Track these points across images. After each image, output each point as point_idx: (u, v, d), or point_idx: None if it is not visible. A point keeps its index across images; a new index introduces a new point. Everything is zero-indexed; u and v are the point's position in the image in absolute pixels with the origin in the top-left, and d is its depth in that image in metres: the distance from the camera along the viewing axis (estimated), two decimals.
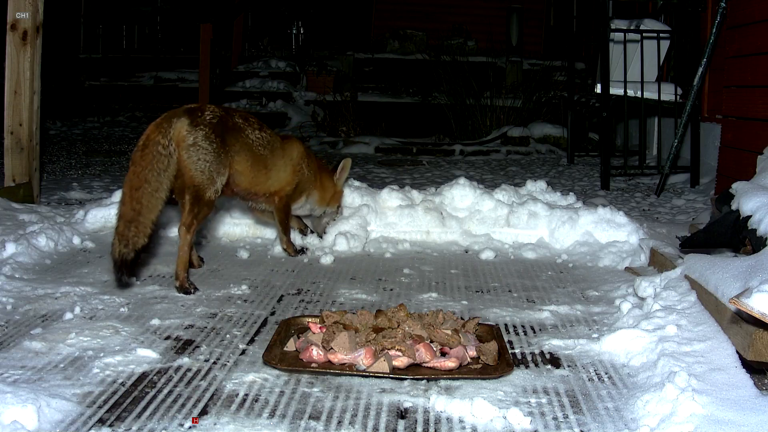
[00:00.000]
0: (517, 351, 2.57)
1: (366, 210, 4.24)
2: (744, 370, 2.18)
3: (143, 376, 2.25)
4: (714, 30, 5.96)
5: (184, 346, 2.53)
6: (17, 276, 3.25)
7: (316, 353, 2.35)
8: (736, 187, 3.32)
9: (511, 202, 4.37)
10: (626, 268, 3.68)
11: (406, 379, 2.26)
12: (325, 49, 13.53)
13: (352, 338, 2.37)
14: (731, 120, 5.53)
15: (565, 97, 9.71)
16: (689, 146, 6.74)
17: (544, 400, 2.14)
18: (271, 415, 2.01)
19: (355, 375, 2.27)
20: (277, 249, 3.94)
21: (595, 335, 2.71)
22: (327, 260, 3.80)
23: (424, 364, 2.34)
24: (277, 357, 2.38)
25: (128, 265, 3.03)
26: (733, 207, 3.21)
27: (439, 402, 2.08)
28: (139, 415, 1.99)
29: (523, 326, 2.85)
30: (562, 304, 3.11)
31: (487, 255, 3.97)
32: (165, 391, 2.15)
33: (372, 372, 2.27)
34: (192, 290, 3.22)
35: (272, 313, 2.94)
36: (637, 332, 2.52)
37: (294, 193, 3.83)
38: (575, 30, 10.04)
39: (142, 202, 3.12)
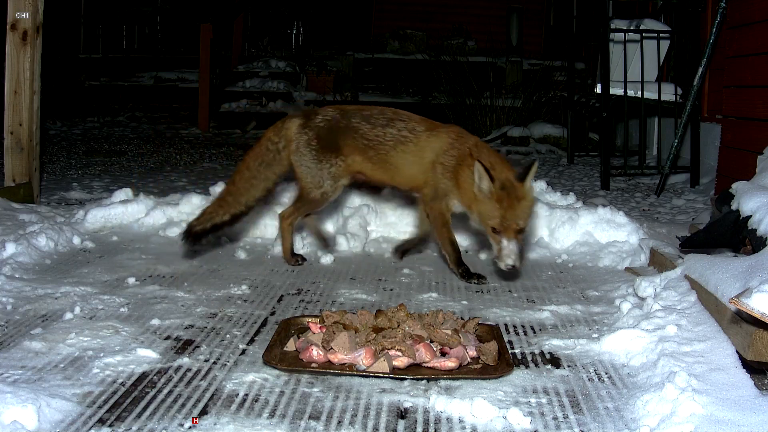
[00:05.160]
0: (517, 351, 2.57)
1: (366, 210, 4.24)
2: (744, 370, 2.18)
3: (143, 376, 2.25)
4: (714, 30, 5.96)
5: (184, 346, 2.53)
6: (17, 276, 3.25)
7: (316, 353, 2.35)
8: (736, 187, 3.32)
9: None
10: (626, 268, 3.68)
11: (406, 379, 2.26)
12: (325, 49, 13.54)
13: (352, 338, 2.37)
14: (731, 120, 5.53)
15: (565, 97, 9.71)
16: (689, 146, 6.74)
17: (544, 400, 2.14)
18: (271, 415, 2.01)
19: (355, 375, 2.27)
20: (278, 249, 3.93)
21: (595, 335, 2.71)
22: (327, 260, 3.80)
23: (424, 364, 2.34)
24: (277, 357, 2.38)
25: (191, 234, 3.49)
26: (733, 207, 3.21)
27: (439, 402, 2.08)
28: (139, 415, 1.99)
29: (523, 326, 2.85)
30: (562, 304, 3.11)
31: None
32: (165, 391, 2.15)
33: (372, 372, 2.27)
34: (299, 261, 3.67)
35: (272, 313, 2.94)
36: (637, 332, 2.52)
37: (437, 193, 3.46)
38: (575, 30, 10.04)
39: (236, 183, 3.53)
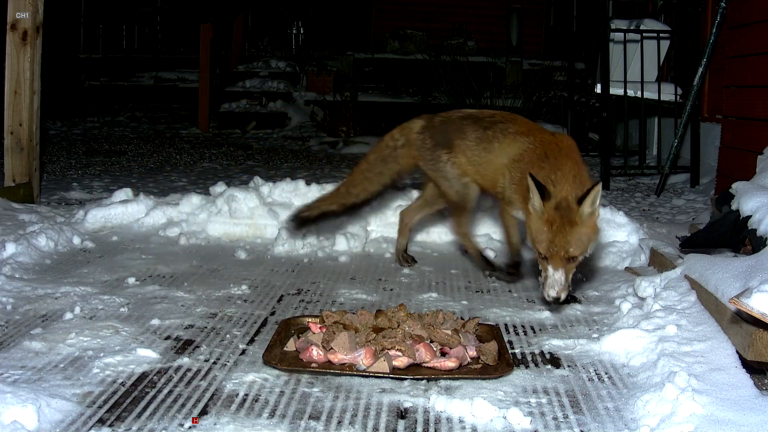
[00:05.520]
0: (517, 351, 2.57)
1: (366, 210, 4.23)
2: (744, 370, 2.18)
3: (143, 376, 2.25)
4: (714, 30, 5.96)
5: (184, 346, 2.53)
6: (17, 276, 3.25)
7: (316, 353, 2.35)
8: (736, 187, 3.32)
9: None
10: (626, 268, 3.68)
11: (406, 379, 2.26)
12: (325, 49, 13.54)
13: (352, 338, 2.37)
14: (731, 120, 5.53)
15: (565, 97, 9.71)
16: (689, 146, 6.74)
17: (544, 400, 2.14)
18: (271, 415, 2.01)
19: (355, 375, 2.27)
20: (278, 249, 3.92)
21: (595, 335, 2.71)
22: (327, 260, 3.79)
23: (424, 364, 2.34)
24: (277, 357, 2.38)
25: (296, 219, 3.68)
26: (733, 207, 3.22)
27: (439, 402, 2.08)
28: (139, 415, 1.99)
29: (523, 326, 2.85)
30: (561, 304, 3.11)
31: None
32: (165, 391, 2.15)
33: (372, 372, 2.27)
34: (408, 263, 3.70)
35: (272, 313, 2.94)
36: (637, 332, 2.52)
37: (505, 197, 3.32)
38: (575, 30, 10.05)
39: (353, 175, 3.66)
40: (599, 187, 2.71)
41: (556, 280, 2.72)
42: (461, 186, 3.45)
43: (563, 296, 2.73)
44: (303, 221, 3.71)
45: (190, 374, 2.28)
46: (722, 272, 2.57)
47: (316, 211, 3.69)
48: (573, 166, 2.92)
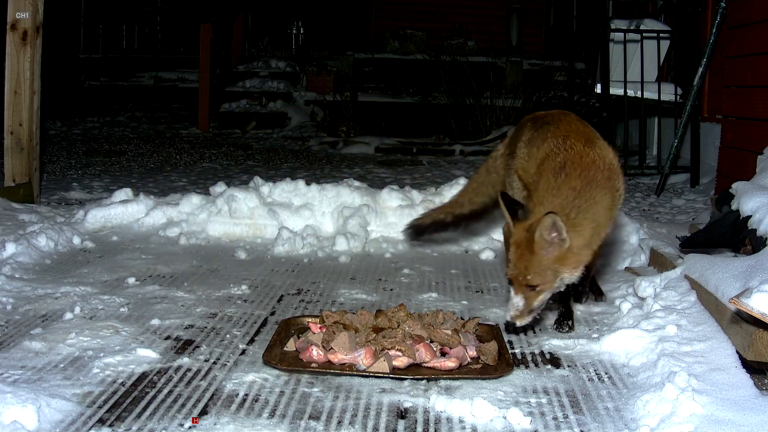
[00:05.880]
0: (517, 351, 2.57)
1: (366, 210, 4.24)
2: (744, 370, 2.18)
3: (143, 376, 2.25)
4: (714, 30, 5.96)
5: (184, 346, 2.53)
6: (17, 276, 3.25)
7: (316, 353, 2.35)
8: (736, 187, 3.32)
9: None
10: (626, 268, 3.68)
11: (406, 379, 2.26)
12: (325, 49, 13.54)
13: (352, 338, 2.37)
14: (731, 120, 5.53)
15: (565, 97, 9.71)
16: (689, 146, 6.74)
17: (544, 400, 2.14)
18: (271, 415, 2.01)
19: (355, 375, 2.27)
20: (278, 249, 3.93)
21: (595, 335, 2.71)
22: (327, 260, 3.79)
23: (424, 364, 2.34)
24: (277, 357, 2.38)
25: (411, 227, 3.73)
26: (733, 207, 3.22)
27: (439, 402, 2.09)
28: (139, 415, 1.99)
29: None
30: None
31: (487, 255, 3.97)
32: (165, 391, 2.15)
33: (372, 372, 2.27)
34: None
35: (272, 313, 2.94)
36: (637, 332, 2.52)
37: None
38: (575, 30, 10.05)
39: (466, 186, 3.63)
40: (549, 219, 2.41)
41: (513, 304, 2.56)
42: (521, 198, 3.03)
43: (520, 323, 2.57)
44: (417, 229, 3.72)
45: (190, 374, 2.28)
46: (722, 272, 2.57)
47: (429, 220, 3.69)
48: (584, 187, 2.62)
